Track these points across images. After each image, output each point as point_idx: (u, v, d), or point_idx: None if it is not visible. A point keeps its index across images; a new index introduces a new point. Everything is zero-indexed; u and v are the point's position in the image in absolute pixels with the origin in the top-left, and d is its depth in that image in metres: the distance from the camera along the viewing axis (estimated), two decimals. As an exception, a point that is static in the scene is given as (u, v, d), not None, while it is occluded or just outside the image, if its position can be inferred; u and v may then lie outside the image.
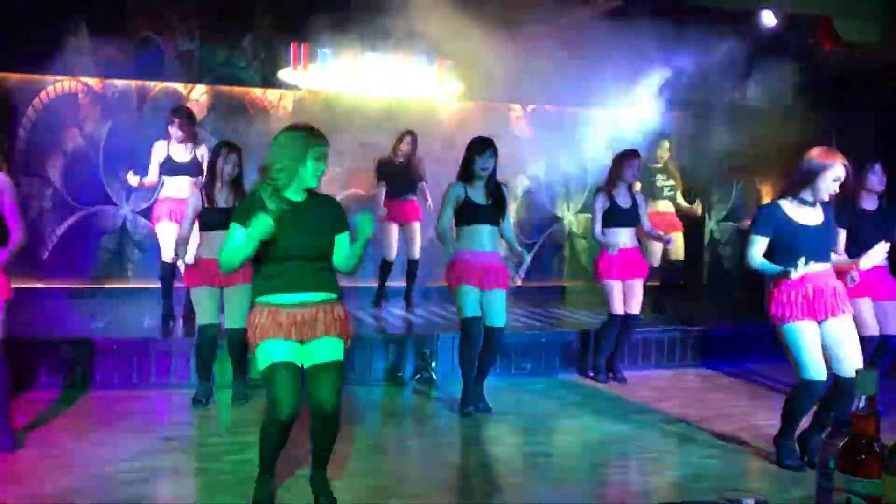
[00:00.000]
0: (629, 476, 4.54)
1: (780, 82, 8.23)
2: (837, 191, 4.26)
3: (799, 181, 4.28)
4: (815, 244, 4.24)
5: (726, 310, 8.74)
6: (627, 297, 6.33)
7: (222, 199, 5.46)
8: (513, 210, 9.77)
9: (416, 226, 7.94)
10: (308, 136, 3.51)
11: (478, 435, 5.18)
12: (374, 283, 8.09)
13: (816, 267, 4.20)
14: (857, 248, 4.67)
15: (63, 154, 8.40)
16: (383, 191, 7.73)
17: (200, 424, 5.28)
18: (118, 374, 5.90)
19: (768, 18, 8.40)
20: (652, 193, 7.93)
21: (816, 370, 4.22)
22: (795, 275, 4.07)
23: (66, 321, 6.91)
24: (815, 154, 4.26)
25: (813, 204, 4.29)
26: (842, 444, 1.48)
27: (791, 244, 4.21)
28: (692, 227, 9.49)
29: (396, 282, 8.21)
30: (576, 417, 5.59)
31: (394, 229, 7.87)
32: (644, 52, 7.84)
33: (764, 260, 4.29)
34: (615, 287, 6.27)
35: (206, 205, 5.48)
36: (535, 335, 6.86)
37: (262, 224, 3.33)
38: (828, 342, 4.26)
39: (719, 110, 9.14)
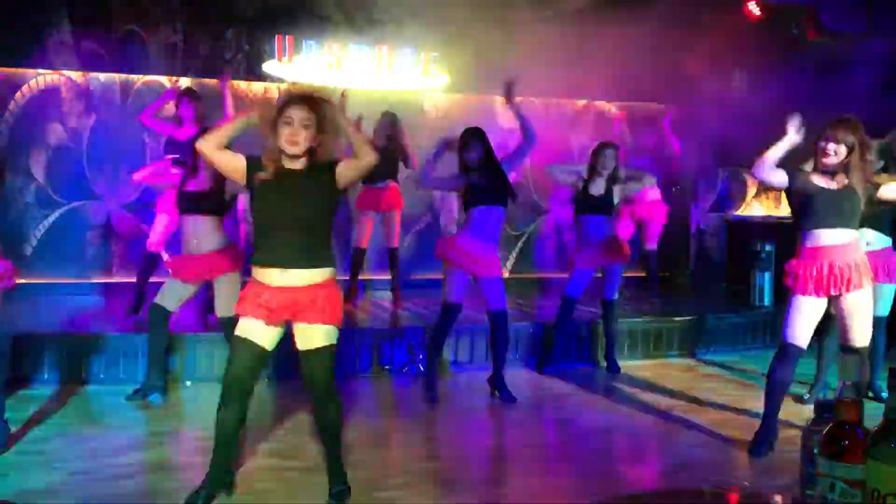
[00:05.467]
0: (617, 466, 4.56)
1: (764, 73, 8.24)
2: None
3: None
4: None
5: (712, 300, 8.76)
6: (604, 281, 6.47)
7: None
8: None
9: (394, 213, 7.63)
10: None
11: (465, 426, 5.19)
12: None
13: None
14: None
15: (46, 148, 8.33)
16: None
17: (187, 418, 5.27)
18: (104, 369, 5.86)
19: (753, 9, 8.40)
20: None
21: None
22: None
23: (51, 317, 6.85)
24: None
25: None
26: (825, 430, 1.49)
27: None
28: (678, 216, 9.54)
29: (383, 275, 8.17)
30: (563, 408, 5.61)
31: (367, 218, 7.59)
32: (632, 44, 7.83)
33: None
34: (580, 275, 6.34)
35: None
36: (523, 327, 6.85)
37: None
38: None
39: (706, 102, 9.14)
